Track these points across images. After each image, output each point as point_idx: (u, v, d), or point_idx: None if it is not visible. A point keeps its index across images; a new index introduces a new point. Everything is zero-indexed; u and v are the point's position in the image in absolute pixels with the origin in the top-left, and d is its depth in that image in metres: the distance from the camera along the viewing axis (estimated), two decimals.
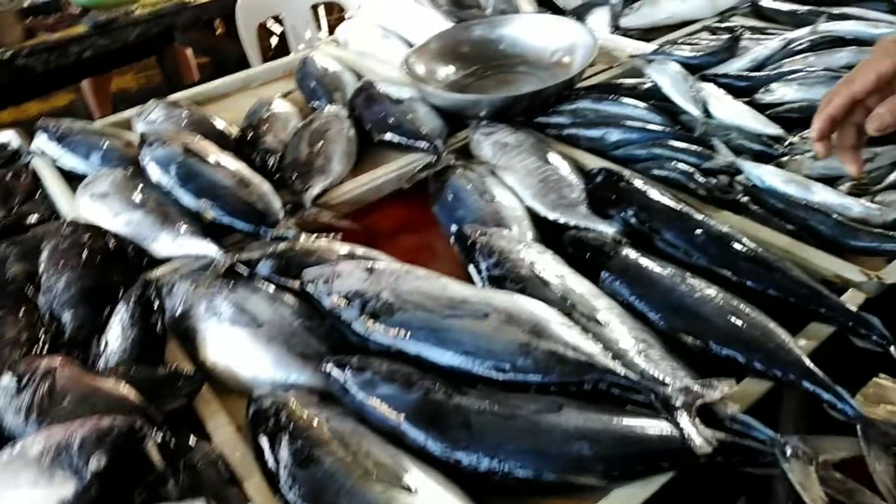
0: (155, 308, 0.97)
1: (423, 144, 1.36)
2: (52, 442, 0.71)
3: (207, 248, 1.11)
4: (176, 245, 1.14)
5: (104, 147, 1.42)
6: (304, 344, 0.92)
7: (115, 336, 0.93)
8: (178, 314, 1.01)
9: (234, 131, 1.52)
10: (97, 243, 1.11)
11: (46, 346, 0.97)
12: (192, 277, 1.05)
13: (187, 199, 1.20)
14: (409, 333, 0.86)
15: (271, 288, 1.01)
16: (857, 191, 1.14)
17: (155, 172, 1.25)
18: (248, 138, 1.45)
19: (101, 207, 1.22)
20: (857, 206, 1.08)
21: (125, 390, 0.81)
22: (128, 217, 1.18)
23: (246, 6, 3.07)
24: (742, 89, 1.41)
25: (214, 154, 1.28)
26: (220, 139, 1.44)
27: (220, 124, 1.52)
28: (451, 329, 0.84)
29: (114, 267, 1.08)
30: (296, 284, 0.99)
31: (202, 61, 4.30)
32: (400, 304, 0.88)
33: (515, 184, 1.24)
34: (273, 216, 1.16)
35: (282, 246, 1.07)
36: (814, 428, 0.82)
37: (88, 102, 4.04)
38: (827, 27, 1.53)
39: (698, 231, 1.01)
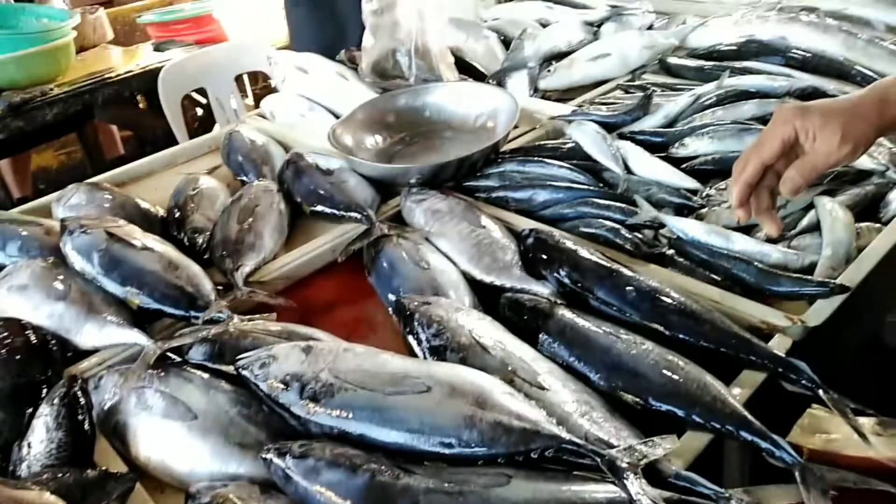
0: (81, 405, 0.93)
1: (355, 215, 1.36)
2: None
3: (136, 338, 1.08)
4: (102, 336, 1.10)
5: (22, 236, 1.36)
6: (242, 433, 0.89)
7: (39, 439, 0.88)
8: (106, 410, 0.96)
9: (160, 212, 1.48)
10: (16, 339, 1.05)
11: None
12: (121, 370, 1.01)
13: (112, 287, 1.16)
14: (351, 414, 0.84)
15: (205, 375, 0.98)
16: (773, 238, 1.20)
17: (77, 261, 1.20)
18: (175, 218, 1.42)
19: (20, 300, 1.17)
20: (775, 253, 1.13)
21: (51, 500, 0.76)
22: (49, 309, 1.13)
23: (168, 80, 3.05)
24: (658, 145, 1.47)
25: (140, 238, 1.25)
26: (146, 221, 1.41)
27: (144, 205, 1.49)
28: (395, 406, 0.83)
29: (35, 363, 1.03)
30: (231, 370, 0.96)
31: (126, 135, 4.23)
32: (340, 384, 0.86)
33: (450, 249, 1.25)
34: (204, 299, 1.13)
35: (214, 330, 1.05)
36: (757, 475, 0.84)
37: (7, 183, 3.91)
38: (731, 82, 1.63)
39: (629, 287, 1.03)
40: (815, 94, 1.58)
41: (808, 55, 1.73)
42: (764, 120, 1.50)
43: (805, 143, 0.94)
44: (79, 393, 0.93)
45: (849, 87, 1.61)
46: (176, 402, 0.93)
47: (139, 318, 1.13)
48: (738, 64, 1.78)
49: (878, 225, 1.19)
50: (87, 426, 0.91)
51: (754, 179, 0.97)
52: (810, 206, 1.24)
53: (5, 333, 1.06)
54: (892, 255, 1.12)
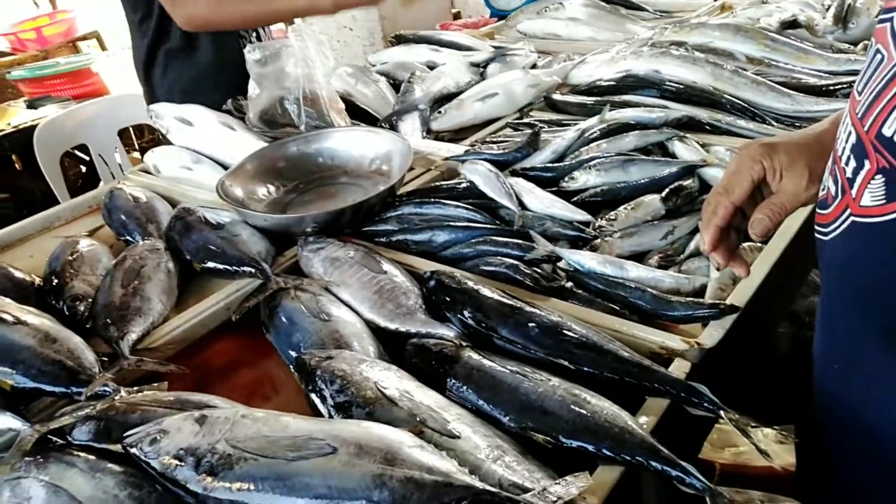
0: None
1: (249, 269, 1.31)
2: None
3: (8, 423, 0.97)
4: None
5: None
6: None
7: None
8: None
9: (35, 280, 1.38)
10: None
11: None
12: None
13: None
14: (252, 485, 0.79)
15: (91, 457, 0.90)
16: (665, 263, 1.24)
17: None
18: (53, 286, 1.32)
19: None
20: (667, 279, 1.17)
21: None
22: None
23: (44, 138, 2.89)
24: (548, 180, 1.51)
25: (12, 311, 1.14)
26: (20, 292, 1.31)
27: (18, 275, 1.38)
28: (299, 472, 0.79)
29: None
30: (119, 449, 0.89)
31: (3, 197, 3.97)
32: (239, 454, 0.81)
33: (351, 298, 1.22)
34: (86, 373, 1.05)
35: (99, 406, 0.96)
36: (675, 502, 0.85)
37: None
38: (612, 115, 1.69)
39: (532, 324, 1.04)
40: (689, 123, 1.68)
41: (681, 87, 1.83)
42: (645, 150, 1.57)
43: (772, 182, 0.93)
44: None
45: (720, 115, 1.72)
46: (58, 490, 0.84)
47: (14, 400, 1.03)
48: (617, 98, 1.86)
49: (758, 244, 1.26)
50: None
51: (725, 223, 0.95)
52: (695, 229, 1.29)
53: None
54: (774, 272, 1.18)
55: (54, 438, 0.96)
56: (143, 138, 4.16)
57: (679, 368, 1.00)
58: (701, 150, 1.53)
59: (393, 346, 1.12)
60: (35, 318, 1.15)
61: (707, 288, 1.16)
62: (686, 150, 1.53)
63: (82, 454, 0.90)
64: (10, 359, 1.05)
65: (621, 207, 1.35)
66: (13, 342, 1.08)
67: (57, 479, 0.86)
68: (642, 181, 1.42)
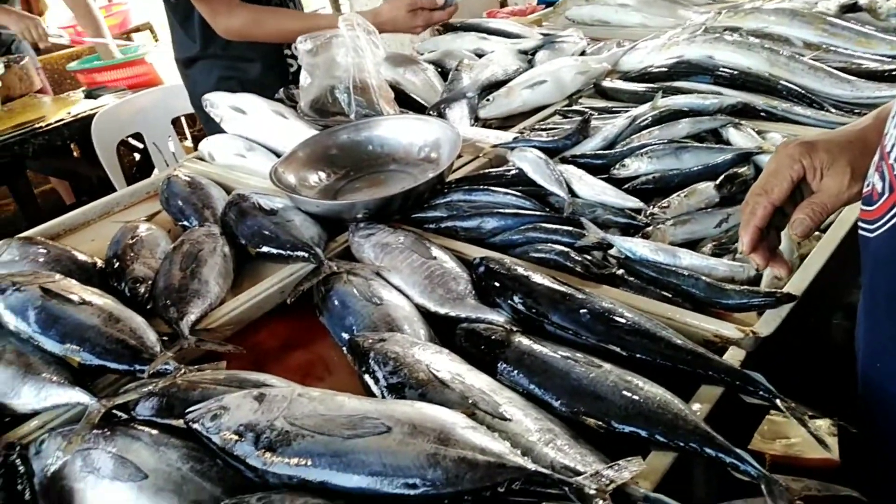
0: (21, 474, 0.87)
1: (302, 254, 1.33)
2: None
3: (78, 397, 1.02)
4: (41, 397, 1.04)
5: None
6: (196, 490, 0.85)
7: None
8: (49, 476, 0.91)
9: (98, 263, 1.43)
10: None
11: None
12: (64, 432, 0.96)
13: (51, 346, 1.10)
14: (309, 461, 0.81)
15: (154, 431, 0.93)
16: (719, 251, 1.22)
17: (11, 320, 1.14)
18: (115, 269, 1.37)
19: None
20: (721, 266, 1.15)
21: None
22: None
23: (101, 126, 2.98)
24: (599, 167, 1.50)
25: (77, 292, 1.20)
26: (84, 274, 1.36)
27: (81, 257, 1.44)
28: (354, 450, 0.80)
29: None
30: (181, 424, 0.92)
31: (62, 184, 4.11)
32: (296, 431, 0.83)
33: (402, 283, 1.23)
34: (149, 351, 1.09)
35: (161, 383, 1.00)
36: (725, 490, 0.84)
37: None
38: (664, 102, 1.67)
39: (583, 310, 1.03)
40: (744, 109, 1.64)
41: (735, 73, 1.79)
42: (698, 138, 1.55)
43: (813, 181, 0.91)
44: (17, 461, 0.88)
45: (776, 102, 1.68)
46: (124, 462, 0.88)
47: (81, 376, 1.08)
48: (669, 84, 1.83)
49: (816, 232, 1.23)
50: (27, 496, 0.85)
51: (765, 223, 0.93)
52: None
53: None
54: (833, 260, 1.16)
55: (119, 413, 1.01)
56: (195, 127, 4.25)
57: (733, 357, 0.99)
58: (756, 137, 1.50)
59: (443, 331, 1.13)
60: (99, 298, 1.20)
61: (763, 276, 1.14)
62: (741, 137, 1.50)
63: (146, 428, 0.94)
64: (77, 337, 1.10)
65: (674, 195, 1.33)
66: (80, 321, 1.12)
67: (123, 451, 0.90)
68: (695, 168, 1.40)
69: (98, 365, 1.08)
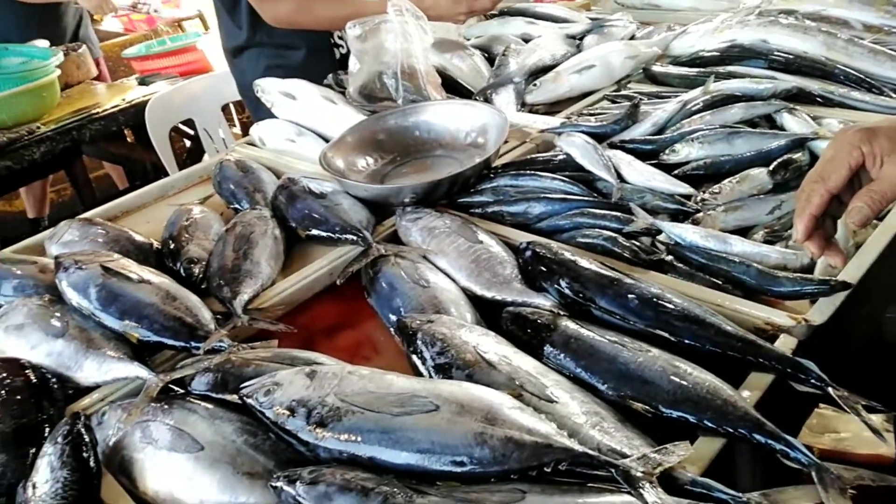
0: (86, 442, 0.91)
1: (351, 237, 1.35)
2: None
3: (137, 371, 1.06)
4: (102, 371, 1.08)
5: (16, 275, 1.35)
6: (250, 462, 0.88)
7: (44, 479, 0.87)
8: (111, 446, 0.95)
9: (154, 244, 1.47)
10: (16, 379, 1.03)
11: None
12: (124, 404, 1.00)
13: (111, 322, 1.14)
14: (359, 437, 0.83)
15: (209, 406, 0.97)
16: (771, 238, 1.20)
17: (73, 297, 1.19)
18: (170, 249, 1.41)
19: (17, 340, 1.15)
20: (774, 254, 1.13)
21: None
22: (48, 348, 1.12)
23: (155, 112, 3.05)
24: (648, 152, 1.48)
25: (136, 270, 1.24)
26: (140, 254, 1.40)
27: (138, 238, 1.48)
28: (403, 427, 0.82)
29: (36, 403, 1.01)
30: (235, 399, 0.95)
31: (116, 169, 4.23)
32: (347, 407, 0.85)
33: (448, 266, 1.24)
34: (204, 329, 1.12)
35: (216, 359, 1.03)
36: (771, 478, 0.83)
37: (26, 205, 4.05)
38: (717, 87, 1.64)
39: (632, 295, 1.03)
40: (799, 94, 1.60)
41: (790, 57, 1.75)
42: (751, 123, 1.52)
43: (872, 169, 0.88)
44: (82, 430, 0.91)
45: (833, 87, 1.64)
46: (181, 433, 0.91)
47: (139, 352, 1.12)
48: (721, 69, 1.80)
49: (874, 220, 1.20)
50: (92, 463, 0.89)
51: (821, 211, 0.90)
52: None
53: (4, 374, 1.04)
54: (890, 249, 1.13)
55: (175, 388, 1.04)
56: (243, 114, 4.33)
57: (785, 345, 0.97)
58: (812, 122, 1.46)
59: (488, 315, 1.14)
60: (156, 277, 1.24)
61: (817, 264, 1.11)
62: (796, 122, 1.47)
63: (202, 403, 0.97)
64: (136, 314, 1.14)
65: (726, 181, 1.31)
66: (139, 299, 1.16)
67: (181, 423, 0.93)
68: (748, 154, 1.38)
69: (155, 341, 1.12)
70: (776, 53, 1.78)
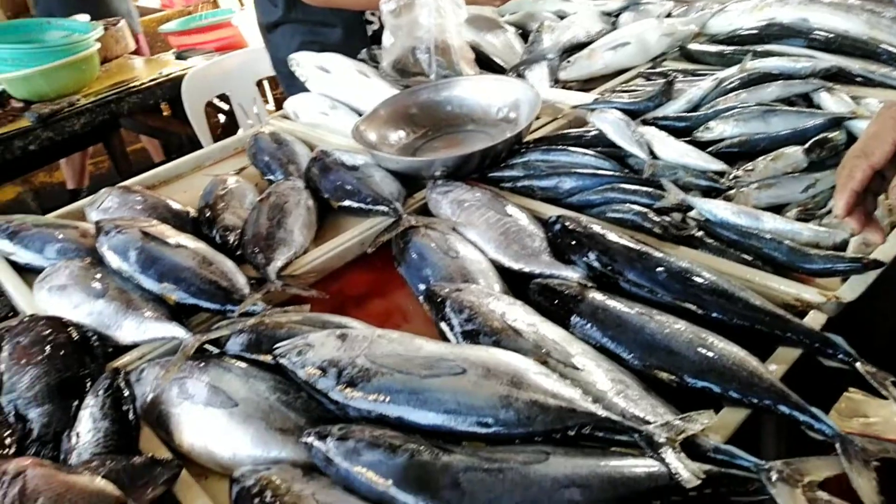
0: (125, 396, 0.95)
1: (382, 208, 1.37)
2: None
3: (174, 331, 1.10)
4: (141, 331, 1.12)
5: (59, 239, 1.40)
6: (282, 419, 0.91)
7: (87, 429, 0.91)
8: (149, 401, 0.99)
9: (190, 212, 1.51)
10: (59, 336, 1.08)
11: (13, 448, 0.93)
12: (161, 362, 1.04)
13: (149, 284, 1.18)
14: (388, 397, 0.85)
15: (244, 365, 1.00)
16: (804, 216, 1.19)
17: (114, 260, 1.23)
18: (206, 217, 1.45)
19: (60, 300, 1.20)
20: (806, 231, 1.12)
21: (101, 484, 0.78)
22: (89, 307, 1.16)
23: (191, 87, 3.10)
24: (682, 129, 1.47)
25: (173, 236, 1.27)
26: (178, 221, 1.44)
27: (175, 206, 1.52)
28: (431, 388, 0.84)
29: (78, 359, 1.05)
30: (268, 359, 0.98)
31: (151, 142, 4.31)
32: (376, 368, 0.87)
33: (477, 238, 1.26)
34: (239, 293, 1.15)
35: (250, 322, 1.06)
36: (793, 451, 0.84)
37: (65, 176, 4.15)
38: (754, 65, 1.62)
39: (660, 268, 1.03)
40: (839, 74, 1.58)
41: (832, 36, 1.71)
42: (788, 102, 1.50)
43: None
44: (122, 384, 0.95)
45: (874, 67, 1.60)
46: (217, 390, 0.94)
47: (176, 314, 1.15)
48: (759, 48, 1.77)
49: None
50: (131, 416, 0.93)
51: (863, 187, 0.89)
52: None
53: (49, 331, 1.09)
54: None
55: (211, 348, 1.07)
56: (277, 90, 4.37)
57: (814, 321, 0.97)
58: (850, 102, 1.44)
59: (516, 287, 1.15)
60: (193, 242, 1.27)
61: (850, 242, 1.10)
62: (834, 101, 1.44)
63: (236, 362, 1.01)
64: (173, 277, 1.17)
65: (760, 158, 1.30)
66: (176, 263, 1.20)
67: (216, 380, 0.96)
68: (784, 133, 1.36)
69: (192, 304, 1.16)
70: (817, 32, 1.74)
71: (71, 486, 0.78)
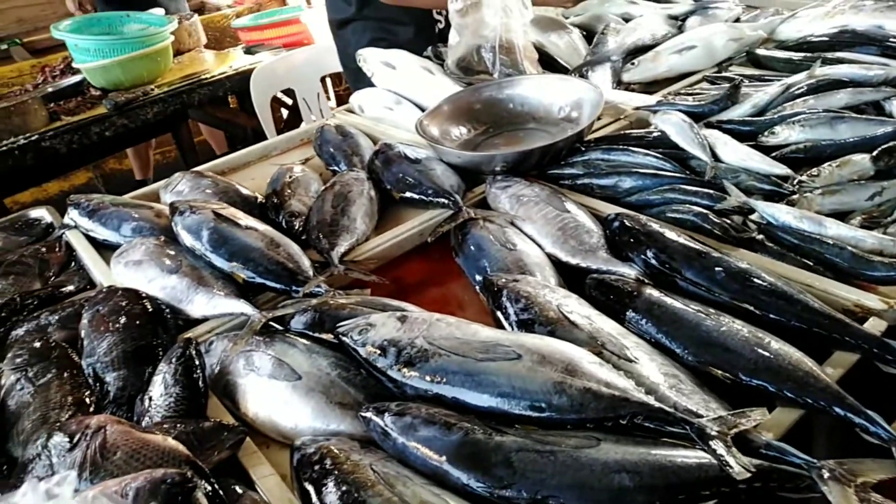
0: (196, 365, 1.00)
1: (442, 200, 1.41)
2: (107, 494, 0.73)
3: (242, 308, 1.15)
4: (211, 306, 1.18)
5: (134, 218, 1.47)
6: (342, 394, 0.95)
7: (159, 393, 0.96)
8: (217, 371, 1.04)
9: (258, 197, 1.57)
10: (135, 307, 1.14)
11: (92, 408, 0.99)
12: (230, 336, 1.09)
13: (220, 263, 1.24)
14: (444, 378, 0.88)
15: (306, 341, 1.04)
16: (869, 224, 1.18)
17: (187, 238, 1.29)
18: (273, 203, 1.50)
19: (135, 274, 1.27)
20: (870, 238, 1.11)
21: (173, 443, 0.83)
22: (162, 282, 1.23)
23: (259, 81, 3.20)
24: (746, 134, 1.46)
25: (243, 219, 1.33)
26: (246, 205, 1.50)
27: (245, 191, 1.58)
28: (487, 371, 0.87)
29: (152, 329, 1.11)
30: (330, 338, 1.02)
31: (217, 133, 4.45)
32: (434, 350, 0.90)
33: (535, 233, 1.28)
34: (303, 275, 1.20)
35: (314, 302, 1.11)
36: (848, 455, 0.83)
37: (133, 166, 4.30)
38: (823, 71, 1.59)
39: (718, 268, 1.04)
40: None
41: None
42: (858, 108, 1.47)
43: None
44: (193, 353, 1.00)
45: None
46: (281, 364, 0.99)
47: (244, 292, 1.21)
48: (830, 55, 1.74)
49: None
50: (200, 383, 0.98)
51: None
52: None
53: (125, 301, 1.15)
54: None
55: (276, 325, 1.12)
56: (340, 86, 4.45)
57: (874, 327, 0.96)
58: None
59: (572, 282, 1.17)
60: (261, 225, 1.33)
61: None
62: None
63: (300, 339, 1.05)
64: (243, 257, 1.23)
65: (825, 164, 1.28)
66: (246, 244, 1.25)
67: (281, 354, 1.01)
68: (851, 140, 1.34)
69: (259, 283, 1.21)
70: (892, 40, 1.70)
71: (146, 444, 0.83)
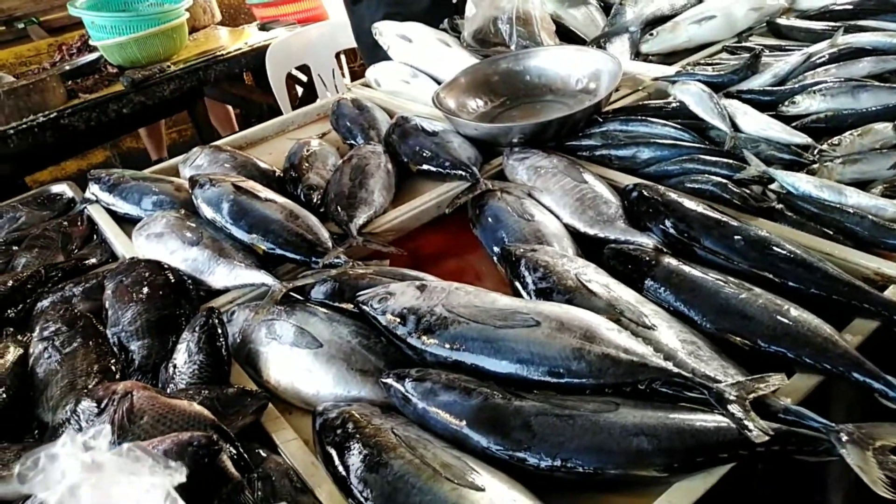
0: (219, 333, 1.01)
1: (459, 172, 1.41)
2: (139, 446, 0.75)
3: (263, 278, 1.16)
4: (232, 277, 1.19)
5: (155, 192, 1.49)
6: (362, 361, 0.96)
7: (183, 361, 0.98)
8: (239, 340, 1.06)
9: (277, 171, 1.58)
10: (158, 278, 1.16)
11: (118, 375, 1.01)
12: (251, 306, 1.10)
13: (240, 234, 1.25)
14: (464, 345, 0.89)
15: (327, 311, 1.05)
16: (889, 193, 1.17)
17: (207, 211, 1.31)
18: (292, 177, 1.51)
19: (157, 247, 1.28)
20: (891, 207, 1.10)
21: (198, 408, 0.85)
22: (184, 254, 1.24)
23: (275, 57, 3.20)
24: (766, 103, 1.44)
25: (262, 191, 1.34)
26: (265, 179, 1.51)
27: (263, 165, 1.59)
28: (505, 338, 0.87)
29: (175, 299, 1.13)
30: (350, 307, 1.03)
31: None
32: (453, 317, 0.91)
33: (552, 204, 1.28)
34: (323, 246, 1.21)
35: (333, 272, 1.12)
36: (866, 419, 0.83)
37: (147, 146, 4.32)
38: (845, 39, 1.57)
39: (737, 237, 1.03)
40: None
41: None
42: (881, 77, 1.45)
43: None
44: (216, 322, 1.02)
45: None
46: (303, 332, 1.00)
47: (264, 263, 1.22)
48: (852, 23, 1.71)
49: None
50: (224, 351, 1.00)
51: None
52: None
53: (148, 272, 1.17)
54: None
55: (296, 296, 1.13)
56: (355, 62, 4.44)
57: (894, 295, 0.95)
58: None
59: (590, 253, 1.17)
60: (280, 198, 1.34)
61: None
62: None
63: (321, 308, 1.06)
64: (263, 228, 1.24)
65: (846, 133, 1.27)
66: (266, 215, 1.27)
67: (302, 323, 1.02)
68: (873, 109, 1.32)
69: (279, 254, 1.22)
70: None
71: (172, 409, 0.85)
